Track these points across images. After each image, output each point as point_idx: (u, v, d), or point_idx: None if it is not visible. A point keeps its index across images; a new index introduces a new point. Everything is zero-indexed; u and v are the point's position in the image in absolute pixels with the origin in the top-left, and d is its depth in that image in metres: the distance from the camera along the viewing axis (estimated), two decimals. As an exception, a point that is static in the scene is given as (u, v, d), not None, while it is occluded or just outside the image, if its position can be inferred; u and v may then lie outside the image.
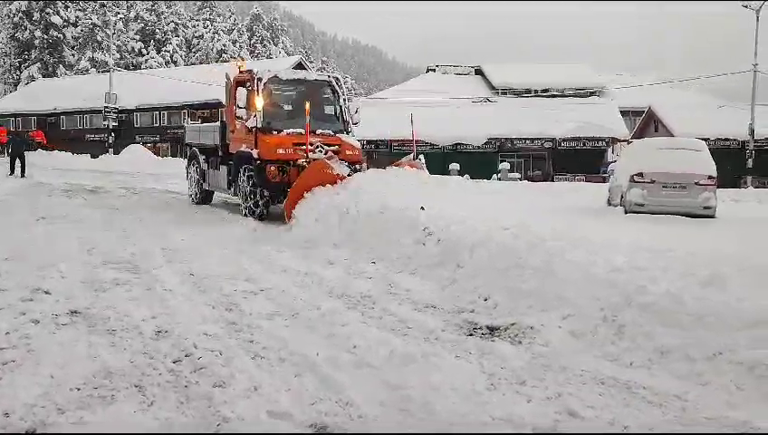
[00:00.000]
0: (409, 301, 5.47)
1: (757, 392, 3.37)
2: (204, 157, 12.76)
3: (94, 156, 32.64)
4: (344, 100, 11.56)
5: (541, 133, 33.79)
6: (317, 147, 10.05)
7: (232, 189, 11.26)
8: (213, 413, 3.15)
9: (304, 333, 4.46)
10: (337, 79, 11.84)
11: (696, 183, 10.11)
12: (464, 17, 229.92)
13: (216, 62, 59.67)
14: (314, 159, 9.67)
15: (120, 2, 61.77)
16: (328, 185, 9.08)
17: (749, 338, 3.69)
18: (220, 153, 11.83)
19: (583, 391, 3.53)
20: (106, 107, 38.88)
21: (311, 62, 71.65)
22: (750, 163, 30.45)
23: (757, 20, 29.77)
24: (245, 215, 10.30)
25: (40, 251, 7.15)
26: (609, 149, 34.83)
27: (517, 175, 28.55)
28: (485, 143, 33.80)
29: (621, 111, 36.32)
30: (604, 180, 22.44)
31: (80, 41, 58.35)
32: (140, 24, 65.10)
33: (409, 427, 3.10)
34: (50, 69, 56.80)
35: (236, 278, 6.13)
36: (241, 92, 10.78)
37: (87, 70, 55.76)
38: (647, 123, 39.95)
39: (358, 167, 10.36)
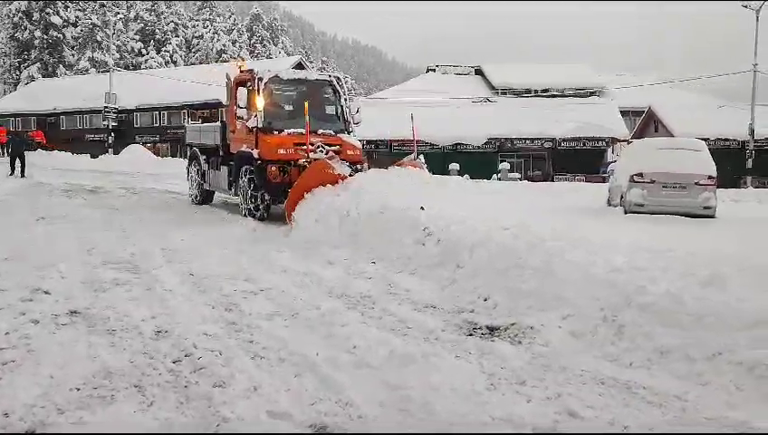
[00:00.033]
0: (409, 301, 5.47)
1: (757, 393, 3.37)
2: (204, 157, 12.73)
3: (94, 156, 32.61)
4: (345, 99, 11.50)
5: (541, 133, 33.79)
6: (318, 147, 9.98)
7: (233, 190, 11.20)
8: (213, 413, 3.15)
9: (304, 334, 4.46)
10: (338, 78, 11.78)
11: (695, 183, 10.11)
12: (464, 17, 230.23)
13: (216, 62, 59.71)
14: (315, 160, 9.62)
15: (120, 2, 61.82)
16: (329, 185, 9.05)
17: (749, 338, 3.69)
18: (221, 153, 11.80)
19: (583, 391, 3.53)
20: (106, 107, 38.87)
21: (310, 62, 71.73)
22: (750, 163, 30.45)
23: (757, 20, 29.78)
24: (246, 215, 10.24)
25: (40, 251, 7.16)
26: (609, 150, 34.83)
27: (517, 175, 28.53)
28: (485, 143, 33.80)
29: (621, 111, 36.33)
30: (604, 180, 22.42)
31: (80, 41, 58.39)
32: (140, 24, 65.14)
33: (409, 427, 3.10)
34: (50, 69, 56.84)
35: (236, 278, 6.13)
36: (242, 92, 10.75)
37: (87, 70, 55.80)
38: (647, 123, 39.95)
39: (359, 167, 10.31)
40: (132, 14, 63.69)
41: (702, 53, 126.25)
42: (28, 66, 57.27)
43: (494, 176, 26.41)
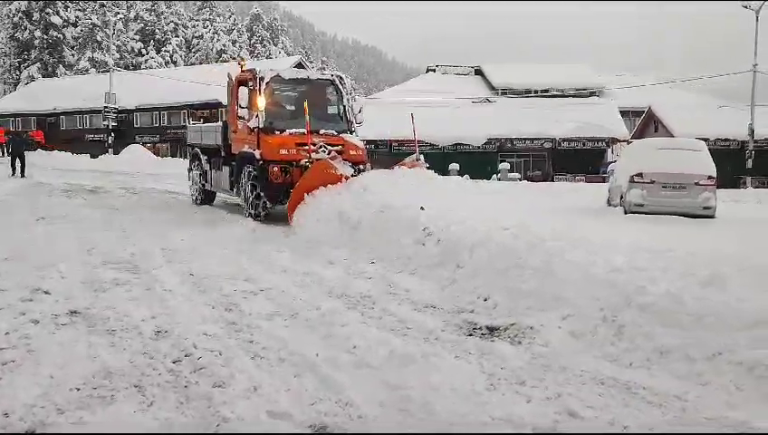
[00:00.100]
0: (409, 301, 5.47)
1: (757, 393, 3.37)
2: (206, 157, 12.71)
3: (94, 156, 32.64)
4: (347, 99, 11.40)
5: (541, 133, 33.81)
6: (320, 147, 9.89)
7: (234, 190, 11.15)
8: (212, 413, 3.15)
9: (304, 334, 4.46)
10: (340, 78, 11.63)
11: (695, 183, 10.11)
12: (464, 17, 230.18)
13: (216, 62, 59.75)
14: (317, 160, 9.57)
15: (120, 2, 61.84)
16: (330, 185, 9.02)
17: (749, 338, 3.69)
18: (222, 154, 11.75)
19: (583, 391, 3.53)
20: (106, 107, 38.88)
21: (310, 62, 71.73)
22: (750, 163, 30.46)
23: (757, 20, 29.79)
24: (247, 216, 10.20)
25: (40, 251, 7.16)
26: (609, 150, 34.83)
27: (517, 175, 28.54)
28: (485, 143, 33.81)
29: (621, 112, 36.36)
30: (604, 180, 22.42)
31: (79, 41, 58.39)
32: (140, 24, 65.15)
33: (409, 427, 3.10)
34: (50, 69, 56.84)
35: (236, 278, 6.13)
36: (243, 92, 10.71)
37: (87, 70, 55.80)
38: (647, 123, 39.94)
39: (361, 167, 10.28)
40: (132, 14, 63.69)
41: (702, 53, 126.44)
42: (28, 66, 57.28)
43: (494, 176, 26.43)
